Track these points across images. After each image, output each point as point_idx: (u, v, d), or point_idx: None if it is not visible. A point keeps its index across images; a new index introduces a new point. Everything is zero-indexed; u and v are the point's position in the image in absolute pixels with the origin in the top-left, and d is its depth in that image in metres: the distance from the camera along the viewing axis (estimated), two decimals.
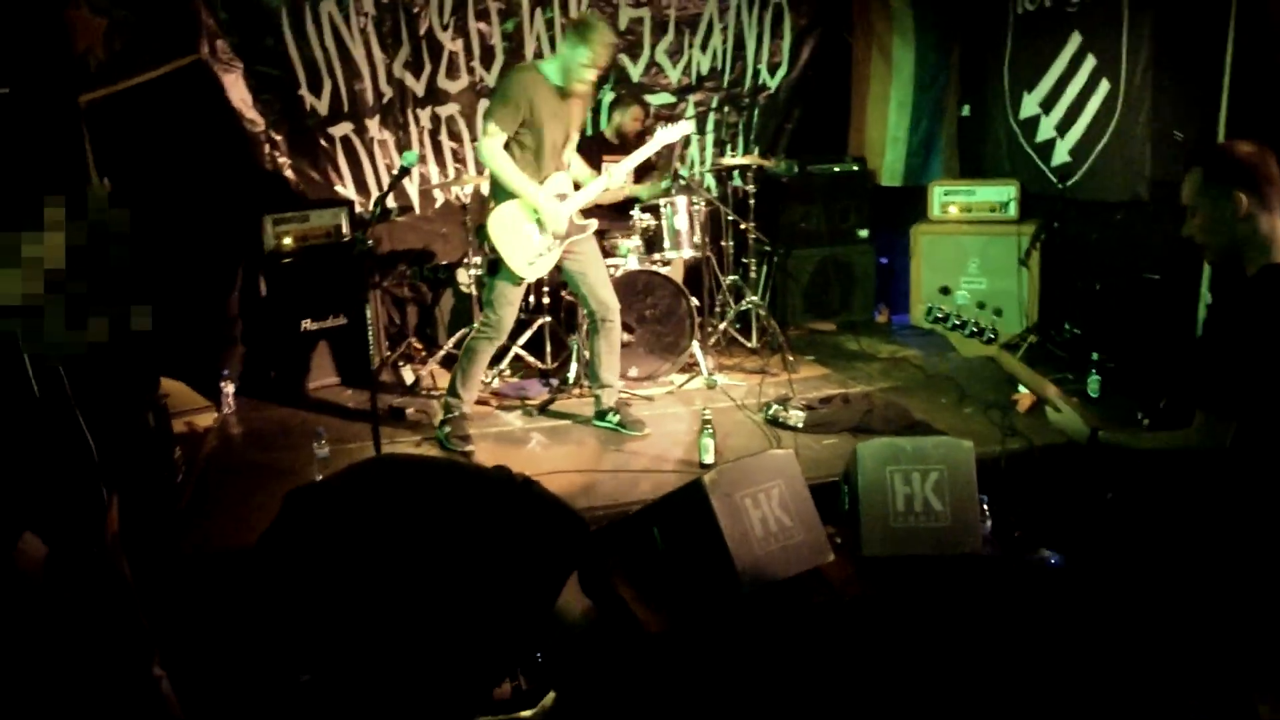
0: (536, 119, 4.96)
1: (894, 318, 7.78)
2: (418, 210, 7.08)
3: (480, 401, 5.75)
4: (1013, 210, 7.04)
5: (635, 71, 7.46)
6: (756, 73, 7.82)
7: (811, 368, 6.59)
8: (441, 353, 6.60)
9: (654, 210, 6.21)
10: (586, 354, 5.60)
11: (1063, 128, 6.64)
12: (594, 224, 5.33)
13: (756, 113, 7.93)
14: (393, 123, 6.90)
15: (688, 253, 6.32)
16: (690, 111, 7.63)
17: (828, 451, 5.03)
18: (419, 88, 6.92)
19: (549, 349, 6.38)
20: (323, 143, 6.73)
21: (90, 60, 5.41)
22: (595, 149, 6.68)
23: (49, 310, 2.53)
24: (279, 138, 6.59)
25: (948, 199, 7.26)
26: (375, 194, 6.85)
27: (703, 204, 6.39)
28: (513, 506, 2.63)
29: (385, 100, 6.84)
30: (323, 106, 6.67)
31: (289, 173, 6.65)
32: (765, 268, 7.44)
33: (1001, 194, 7.07)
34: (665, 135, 5.59)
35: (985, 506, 4.17)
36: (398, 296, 7.11)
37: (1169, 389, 3.08)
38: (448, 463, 3.22)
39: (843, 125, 8.15)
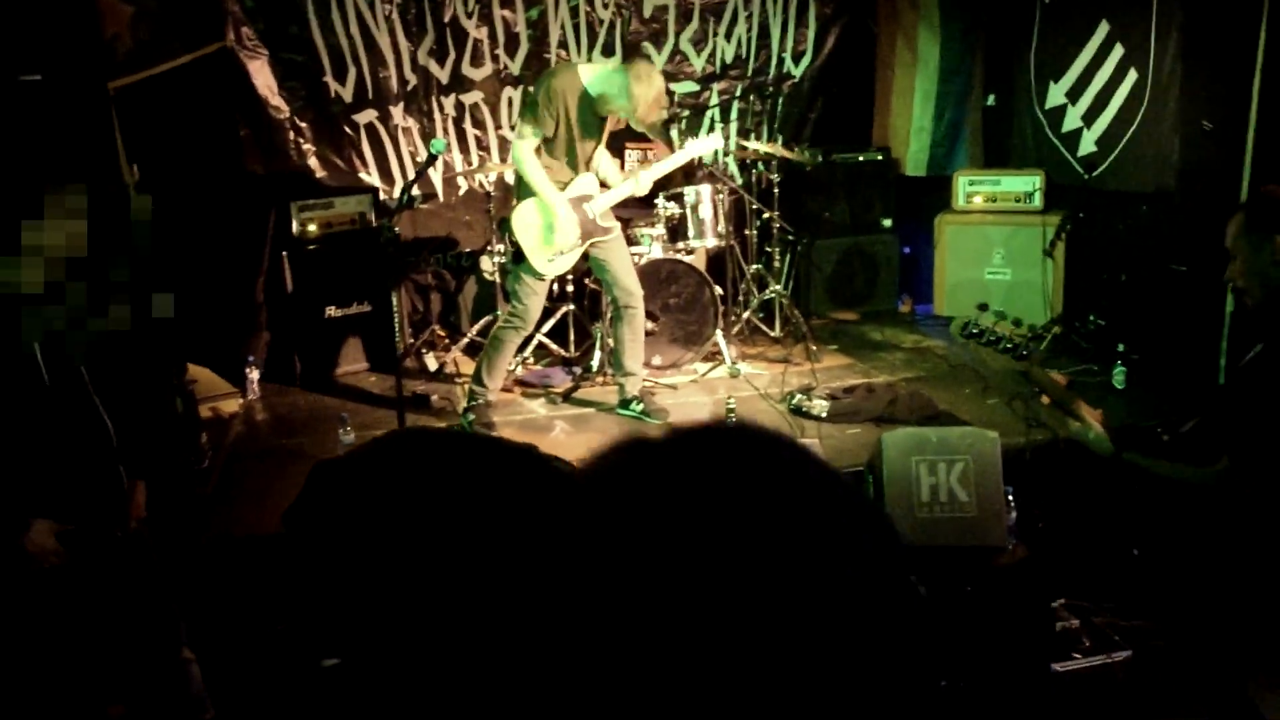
0: (568, 122, 4.97)
1: (917, 308, 7.75)
2: (441, 198, 7.10)
3: (504, 389, 5.76)
4: (1038, 200, 7.00)
5: (659, 60, 7.44)
6: (781, 61, 7.79)
7: (835, 357, 6.58)
8: (465, 340, 6.62)
9: (678, 199, 6.21)
10: (610, 342, 5.62)
11: (1089, 117, 6.60)
12: (618, 226, 5.35)
13: (781, 101, 7.90)
14: (417, 110, 6.92)
15: (711, 241, 6.31)
16: (714, 100, 7.62)
17: (851, 441, 5.03)
18: (443, 75, 6.93)
19: (573, 337, 6.39)
20: (347, 130, 6.75)
21: (118, 47, 5.44)
22: (617, 136, 6.67)
23: (70, 298, 2.55)
24: (304, 125, 6.61)
25: (972, 189, 7.22)
26: (399, 181, 6.87)
27: (727, 193, 6.39)
28: (537, 473, 2.63)
29: (410, 87, 6.86)
30: (347, 93, 6.69)
31: (313, 160, 6.67)
32: (789, 257, 7.42)
33: (1026, 184, 7.03)
34: (696, 147, 5.58)
35: (1010, 497, 4.16)
36: (421, 284, 7.13)
37: (1198, 413, 3.09)
38: (473, 435, 3.22)
39: (867, 114, 8.12)
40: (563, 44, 7.12)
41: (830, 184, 7.55)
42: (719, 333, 6.23)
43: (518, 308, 5.21)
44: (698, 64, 7.57)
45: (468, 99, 7.02)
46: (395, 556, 2.44)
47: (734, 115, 7.78)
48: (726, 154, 7.75)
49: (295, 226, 6.26)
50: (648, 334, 5.76)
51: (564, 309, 6.33)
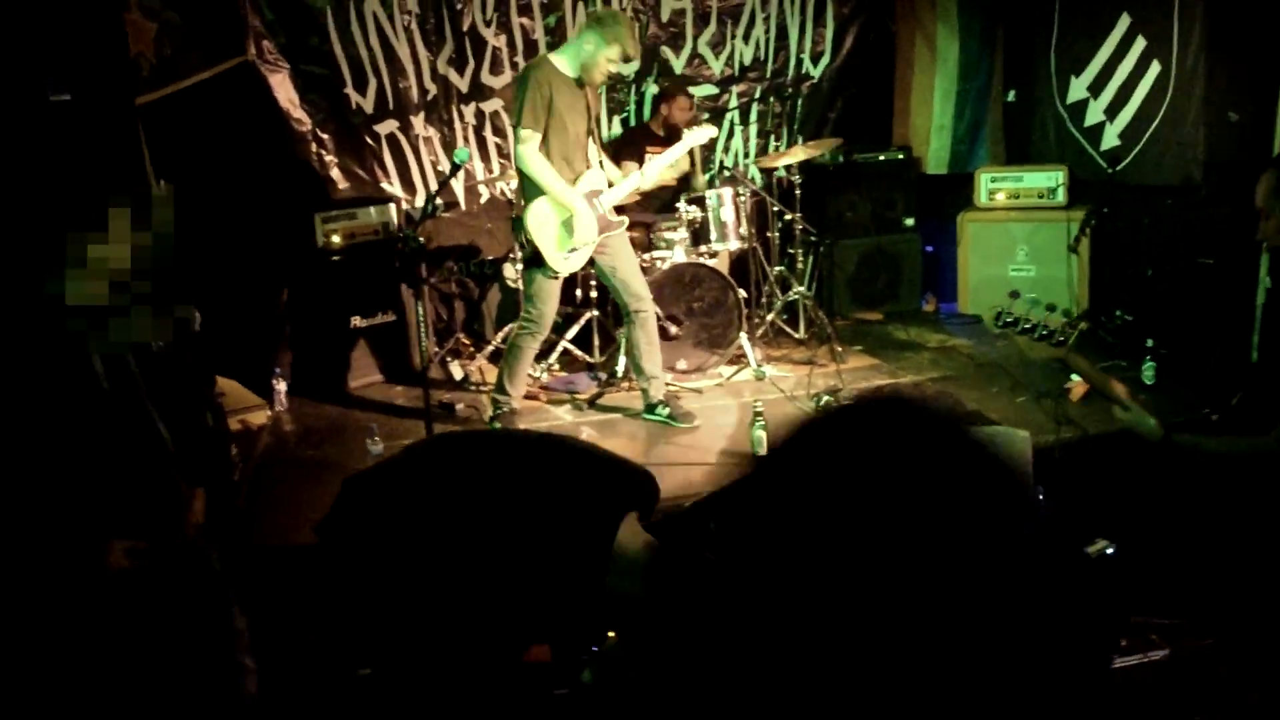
0: (558, 110, 4.98)
1: (942, 306, 7.72)
2: (463, 206, 7.12)
3: (529, 396, 5.78)
4: (1061, 196, 6.96)
5: (678, 64, 7.44)
6: (799, 62, 7.77)
7: (860, 358, 6.56)
8: (490, 348, 6.64)
9: (700, 202, 6.20)
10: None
11: (1112, 111, 6.56)
12: (625, 221, 5.37)
13: (800, 102, 7.89)
14: (437, 119, 6.94)
15: (734, 244, 6.31)
16: (733, 102, 7.61)
17: None
18: (463, 84, 6.95)
19: (596, 343, 6.39)
20: (369, 140, 6.78)
21: (142, 64, 5.48)
22: (641, 141, 6.69)
23: (135, 311, 2.58)
24: (326, 136, 6.64)
25: (995, 186, 7.19)
26: (421, 190, 6.90)
27: (748, 195, 6.38)
28: (564, 456, 2.61)
29: (430, 97, 6.88)
30: (368, 104, 6.72)
31: (336, 171, 6.70)
32: (811, 258, 7.41)
33: (1049, 179, 7.00)
34: (692, 138, 5.62)
35: (1040, 496, 4.13)
36: (445, 292, 7.15)
37: (1243, 385, 3.05)
38: (503, 432, 3.19)
39: (887, 114, 8.09)
40: None
41: (852, 184, 7.54)
42: (743, 335, 6.22)
43: (532, 312, 5.23)
44: (716, 67, 7.56)
45: (488, 107, 7.04)
46: (434, 562, 2.44)
47: (753, 117, 7.76)
48: (747, 157, 7.74)
49: (319, 238, 6.29)
50: (672, 338, 5.77)
51: (588, 315, 6.33)
